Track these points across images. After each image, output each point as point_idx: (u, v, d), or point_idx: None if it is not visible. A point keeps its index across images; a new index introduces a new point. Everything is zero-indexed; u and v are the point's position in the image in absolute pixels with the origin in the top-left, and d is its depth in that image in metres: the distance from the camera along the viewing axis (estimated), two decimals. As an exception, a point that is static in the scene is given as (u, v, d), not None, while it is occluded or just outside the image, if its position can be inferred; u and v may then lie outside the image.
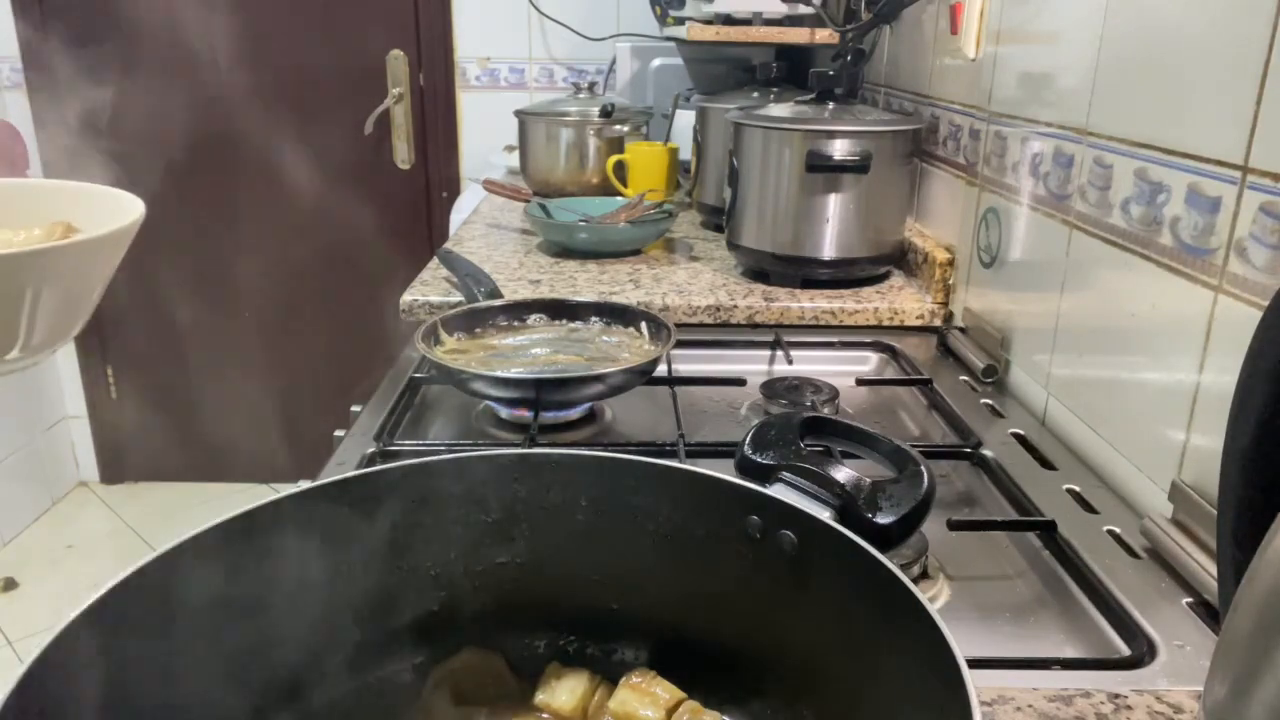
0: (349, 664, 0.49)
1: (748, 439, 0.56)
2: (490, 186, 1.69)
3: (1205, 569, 0.62)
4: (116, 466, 2.87)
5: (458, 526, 0.51)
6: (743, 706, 0.50)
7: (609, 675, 0.53)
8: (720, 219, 1.42)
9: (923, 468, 0.54)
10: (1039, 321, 0.95)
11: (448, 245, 1.41)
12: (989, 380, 1.01)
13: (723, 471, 0.51)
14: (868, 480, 0.51)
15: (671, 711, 0.50)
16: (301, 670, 0.47)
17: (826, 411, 0.93)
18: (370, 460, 0.81)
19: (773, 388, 0.97)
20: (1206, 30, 0.68)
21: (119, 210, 0.65)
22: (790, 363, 1.08)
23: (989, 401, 0.97)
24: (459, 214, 1.98)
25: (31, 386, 2.68)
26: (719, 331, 1.17)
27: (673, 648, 0.52)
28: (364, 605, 0.49)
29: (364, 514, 0.49)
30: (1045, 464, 0.83)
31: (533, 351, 0.96)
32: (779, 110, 1.26)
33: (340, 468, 0.81)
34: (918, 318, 1.20)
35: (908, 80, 1.41)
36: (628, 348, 0.95)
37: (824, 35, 1.61)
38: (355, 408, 0.94)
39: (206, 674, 0.42)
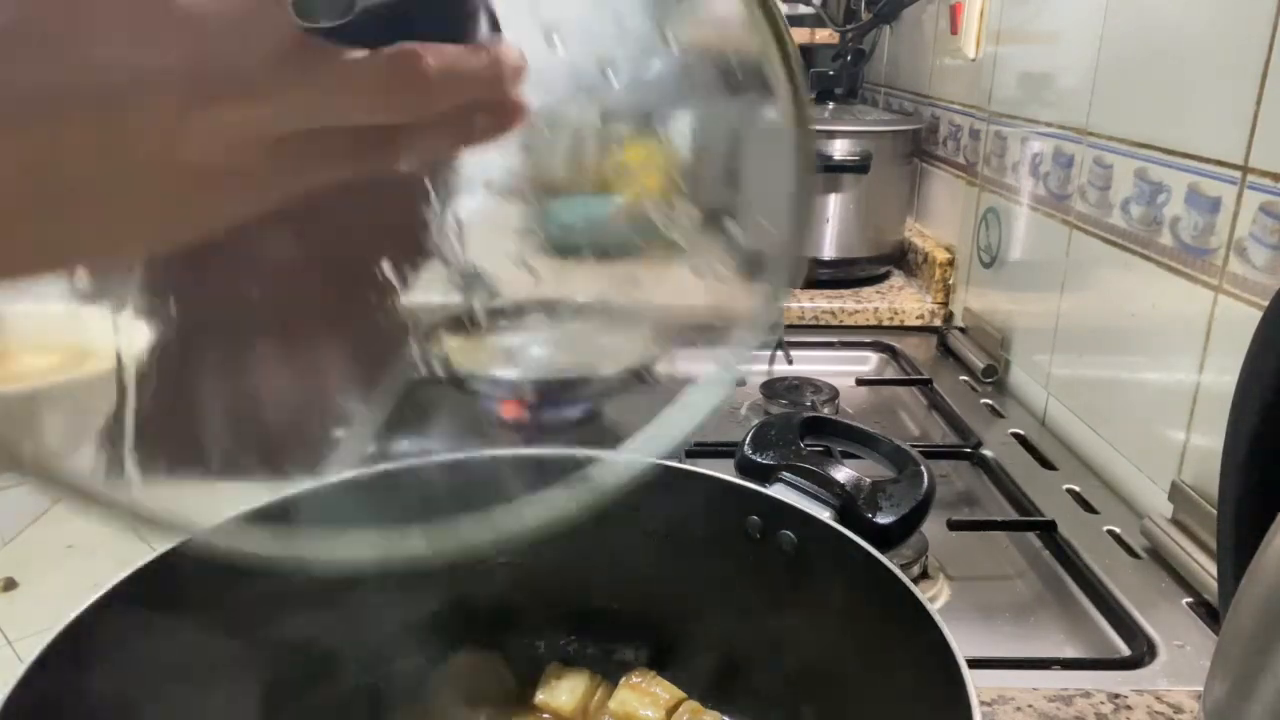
0: (350, 664, 0.49)
1: (748, 439, 0.56)
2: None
3: (1205, 569, 0.62)
4: (116, 466, 2.87)
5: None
6: (743, 706, 0.50)
7: (609, 675, 0.53)
8: (720, 219, 1.41)
9: (923, 468, 0.54)
10: (1039, 321, 0.95)
11: (448, 245, 1.41)
12: (989, 380, 1.01)
13: (723, 471, 0.51)
14: (868, 480, 0.51)
15: (671, 711, 0.50)
16: (302, 670, 0.47)
17: (826, 411, 0.93)
18: (369, 461, 0.81)
19: (773, 388, 0.97)
20: (1206, 30, 0.68)
21: (128, 334, 0.71)
22: (790, 363, 1.08)
23: (989, 401, 0.97)
24: (459, 214, 1.97)
25: (31, 386, 2.68)
26: (719, 331, 1.17)
27: (673, 648, 0.53)
28: (364, 605, 0.49)
29: (363, 515, 0.49)
30: (1045, 464, 0.83)
31: (533, 352, 0.96)
32: (779, 110, 1.26)
33: (339, 468, 0.81)
34: (918, 318, 1.19)
35: (908, 80, 1.41)
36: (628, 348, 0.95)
37: (824, 35, 1.61)
38: (355, 408, 0.94)
39: (207, 673, 0.42)
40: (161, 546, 0.41)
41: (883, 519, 0.50)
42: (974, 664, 0.37)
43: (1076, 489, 0.78)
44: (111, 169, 0.25)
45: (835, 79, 1.25)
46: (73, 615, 0.37)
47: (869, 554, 0.43)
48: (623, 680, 0.52)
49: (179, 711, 0.41)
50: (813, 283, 1.25)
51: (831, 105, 1.24)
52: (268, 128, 0.25)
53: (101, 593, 0.38)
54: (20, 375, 0.69)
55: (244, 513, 0.40)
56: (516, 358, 0.94)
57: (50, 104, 0.24)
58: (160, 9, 0.24)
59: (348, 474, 0.49)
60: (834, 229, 1.22)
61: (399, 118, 0.26)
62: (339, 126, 0.26)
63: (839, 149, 1.18)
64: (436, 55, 0.26)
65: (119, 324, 0.68)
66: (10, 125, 0.24)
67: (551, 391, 0.85)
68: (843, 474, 0.51)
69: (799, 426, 0.58)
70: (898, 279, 1.31)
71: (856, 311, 1.19)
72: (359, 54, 0.25)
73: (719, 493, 0.50)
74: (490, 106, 0.28)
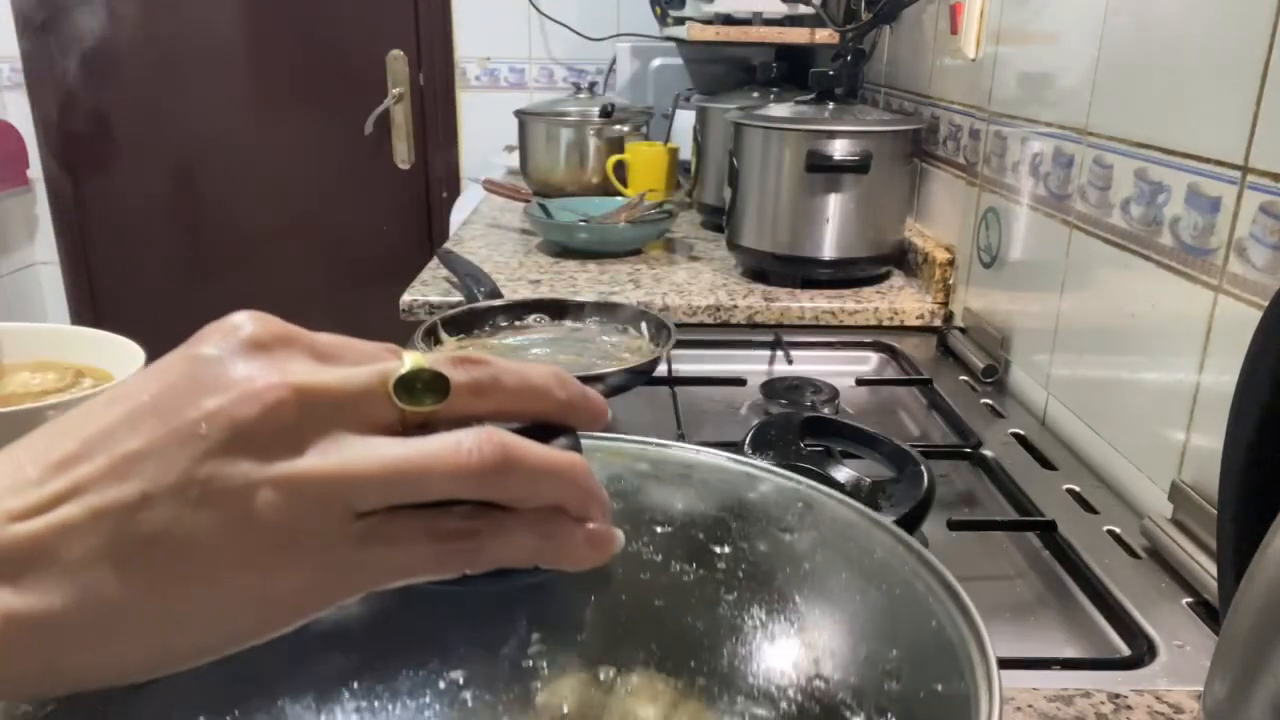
0: (344, 663, 0.49)
1: (748, 439, 0.56)
2: (490, 186, 1.69)
3: (1205, 569, 0.62)
4: (116, 466, 2.87)
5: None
6: (744, 705, 0.50)
7: (609, 675, 0.53)
8: (720, 219, 1.42)
9: (923, 468, 0.54)
10: (1039, 321, 0.95)
11: (448, 245, 1.41)
12: (989, 380, 1.02)
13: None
14: (868, 480, 0.51)
15: (673, 711, 0.50)
16: (310, 666, 0.47)
17: (826, 411, 0.93)
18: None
19: (773, 388, 0.97)
20: (1206, 30, 0.68)
21: (123, 356, 0.73)
22: (790, 363, 1.08)
23: (989, 401, 0.97)
24: (459, 214, 1.98)
25: (31, 386, 2.68)
26: (719, 331, 1.17)
27: (674, 646, 0.52)
28: (365, 607, 0.49)
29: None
30: (1045, 464, 0.83)
31: (533, 352, 0.96)
32: (779, 110, 1.26)
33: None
34: (918, 318, 1.20)
35: (908, 80, 1.41)
36: (628, 348, 0.95)
37: (824, 35, 1.61)
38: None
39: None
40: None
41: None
42: (974, 664, 0.37)
43: (1076, 489, 0.78)
44: (190, 523, 0.25)
45: (835, 79, 1.25)
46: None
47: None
48: (622, 680, 0.52)
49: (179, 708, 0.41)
50: (813, 283, 1.25)
51: (831, 105, 1.24)
52: (353, 491, 0.26)
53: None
54: (17, 392, 0.69)
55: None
56: (516, 358, 0.95)
57: (130, 457, 0.25)
58: (273, 374, 0.26)
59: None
60: (834, 229, 1.22)
61: (482, 492, 0.27)
62: (421, 508, 0.27)
63: (839, 149, 1.18)
64: (528, 443, 0.28)
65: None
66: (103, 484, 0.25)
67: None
68: (843, 474, 0.51)
69: (799, 426, 0.58)
70: (898, 279, 1.31)
71: (856, 311, 1.19)
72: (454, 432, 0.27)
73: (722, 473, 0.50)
74: (578, 518, 0.30)
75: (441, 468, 0.26)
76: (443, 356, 0.29)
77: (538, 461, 0.28)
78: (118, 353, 0.73)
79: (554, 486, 0.29)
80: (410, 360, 0.28)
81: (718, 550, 0.40)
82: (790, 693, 0.35)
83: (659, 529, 0.42)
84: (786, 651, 0.36)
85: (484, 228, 1.61)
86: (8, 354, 0.73)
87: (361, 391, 0.27)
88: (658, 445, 0.48)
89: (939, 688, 0.33)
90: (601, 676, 0.36)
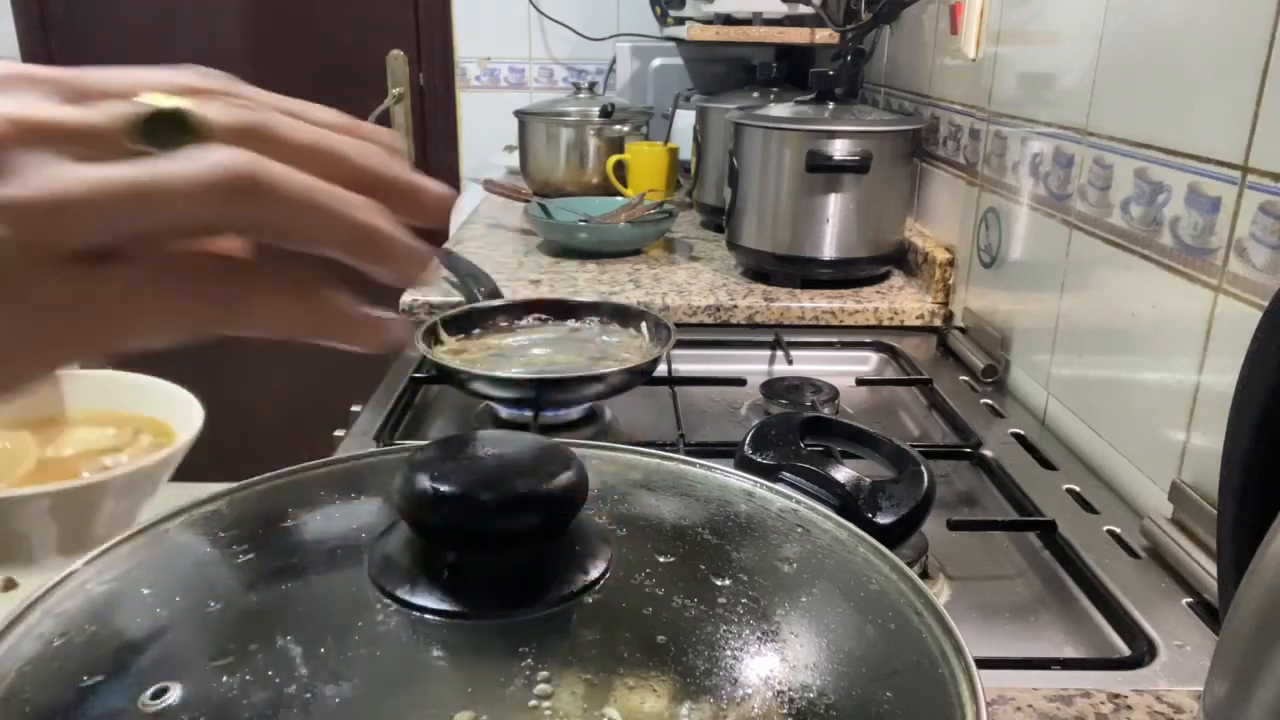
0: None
1: (748, 439, 0.56)
2: (490, 186, 1.69)
3: (1205, 569, 0.62)
4: (116, 466, 2.87)
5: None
6: (744, 705, 0.50)
7: (609, 674, 0.53)
8: (720, 219, 1.42)
9: (923, 468, 0.54)
10: (1039, 321, 0.95)
11: (448, 245, 1.41)
12: (989, 380, 1.01)
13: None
14: (868, 480, 0.51)
15: (670, 709, 0.50)
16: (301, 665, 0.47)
17: (826, 411, 0.93)
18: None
19: (773, 388, 0.97)
20: (1206, 30, 0.68)
21: (181, 407, 0.74)
22: (790, 363, 1.08)
23: (989, 401, 0.97)
24: (459, 214, 1.98)
25: (31, 386, 2.68)
26: (719, 331, 1.17)
27: (671, 644, 0.52)
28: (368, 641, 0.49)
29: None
30: (1045, 464, 0.83)
31: (533, 351, 0.96)
32: (779, 110, 1.26)
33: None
34: (918, 318, 1.20)
35: (908, 80, 1.41)
36: (628, 348, 0.95)
37: (824, 35, 1.61)
38: (355, 408, 0.94)
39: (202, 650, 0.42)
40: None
41: (883, 519, 0.50)
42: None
43: (1076, 489, 0.78)
44: None
45: (835, 79, 1.25)
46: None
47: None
48: (621, 679, 0.52)
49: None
50: (813, 283, 1.25)
51: (831, 105, 1.24)
52: (63, 215, 0.22)
53: (102, 548, 0.38)
54: (75, 454, 0.70)
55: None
56: (516, 357, 0.94)
57: None
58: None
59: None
60: (834, 229, 1.22)
61: (225, 214, 0.24)
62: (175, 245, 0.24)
63: (839, 149, 1.18)
64: (290, 169, 0.24)
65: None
66: None
67: (551, 391, 0.86)
68: (843, 474, 0.51)
69: (799, 426, 0.58)
70: (898, 279, 1.31)
71: (856, 311, 1.19)
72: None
73: (719, 489, 0.50)
74: (364, 265, 0.25)
75: (171, 182, 0.22)
76: (212, 105, 0.24)
77: (299, 185, 0.24)
78: (176, 403, 0.73)
79: (322, 223, 0.25)
80: (153, 99, 0.24)
81: (718, 583, 0.40)
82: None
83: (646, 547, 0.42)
84: (775, 675, 0.36)
85: (484, 228, 1.61)
86: (74, 404, 0.74)
87: (91, 129, 0.23)
88: (655, 456, 0.47)
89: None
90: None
